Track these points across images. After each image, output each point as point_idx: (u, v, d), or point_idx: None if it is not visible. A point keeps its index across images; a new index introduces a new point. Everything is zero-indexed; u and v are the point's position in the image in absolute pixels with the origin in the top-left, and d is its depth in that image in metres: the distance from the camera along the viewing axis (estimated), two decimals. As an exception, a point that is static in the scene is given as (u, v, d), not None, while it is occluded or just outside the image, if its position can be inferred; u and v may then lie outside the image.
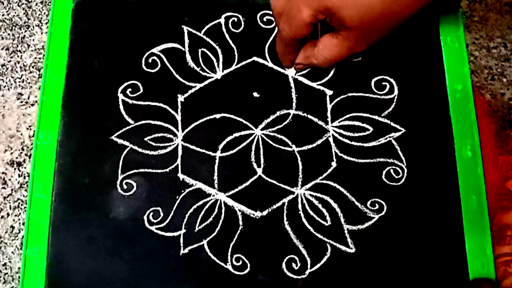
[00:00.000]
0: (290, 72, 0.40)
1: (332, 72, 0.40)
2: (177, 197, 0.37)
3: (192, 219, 0.37)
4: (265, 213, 0.37)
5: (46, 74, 0.40)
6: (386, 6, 0.33)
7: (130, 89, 0.40)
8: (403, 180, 0.38)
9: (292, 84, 0.40)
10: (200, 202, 0.37)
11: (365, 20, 0.33)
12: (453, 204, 0.38)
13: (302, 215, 0.37)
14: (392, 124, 0.39)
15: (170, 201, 0.37)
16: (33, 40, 0.45)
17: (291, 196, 0.38)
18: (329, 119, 0.39)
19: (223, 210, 0.37)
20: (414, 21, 0.37)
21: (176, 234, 0.37)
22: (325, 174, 0.38)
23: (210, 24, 0.42)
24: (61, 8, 0.42)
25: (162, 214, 0.37)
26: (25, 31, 0.45)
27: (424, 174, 0.38)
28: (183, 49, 0.41)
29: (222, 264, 0.36)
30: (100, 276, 0.36)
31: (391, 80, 0.40)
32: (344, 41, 0.35)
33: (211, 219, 0.37)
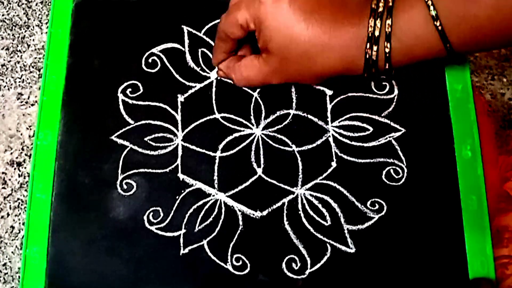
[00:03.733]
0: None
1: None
2: (177, 197, 0.37)
3: (192, 219, 0.37)
4: (265, 213, 0.37)
5: (46, 74, 0.40)
6: (308, 50, 0.34)
7: (130, 89, 0.40)
8: (403, 180, 0.38)
9: (292, 84, 0.40)
10: (200, 202, 0.37)
11: (285, 51, 0.34)
12: (453, 204, 0.38)
13: (302, 215, 0.37)
14: (392, 124, 0.39)
15: (170, 201, 0.37)
16: (33, 40, 0.45)
17: (291, 196, 0.38)
18: (329, 119, 0.39)
19: (223, 210, 0.37)
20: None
21: (176, 234, 0.37)
22: (325, 174, 0.38)
23: (210, 24, 0.42)
24: (61, 8, 0.42)
25: (162, 214, 0.37)
26: (25, 31, 0.45)
27: (424, 174, 0.38)
28: (183, 49, 0.41)
29: (222, 264, 0.36)
30: (100, 276, 0.36)
31: (391, 80, 0.40)
32: (263, 66, 0.36)
33: (211, 219, 0.37)
